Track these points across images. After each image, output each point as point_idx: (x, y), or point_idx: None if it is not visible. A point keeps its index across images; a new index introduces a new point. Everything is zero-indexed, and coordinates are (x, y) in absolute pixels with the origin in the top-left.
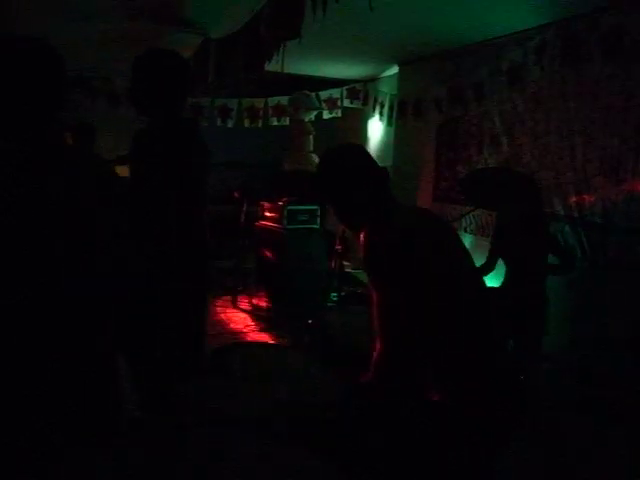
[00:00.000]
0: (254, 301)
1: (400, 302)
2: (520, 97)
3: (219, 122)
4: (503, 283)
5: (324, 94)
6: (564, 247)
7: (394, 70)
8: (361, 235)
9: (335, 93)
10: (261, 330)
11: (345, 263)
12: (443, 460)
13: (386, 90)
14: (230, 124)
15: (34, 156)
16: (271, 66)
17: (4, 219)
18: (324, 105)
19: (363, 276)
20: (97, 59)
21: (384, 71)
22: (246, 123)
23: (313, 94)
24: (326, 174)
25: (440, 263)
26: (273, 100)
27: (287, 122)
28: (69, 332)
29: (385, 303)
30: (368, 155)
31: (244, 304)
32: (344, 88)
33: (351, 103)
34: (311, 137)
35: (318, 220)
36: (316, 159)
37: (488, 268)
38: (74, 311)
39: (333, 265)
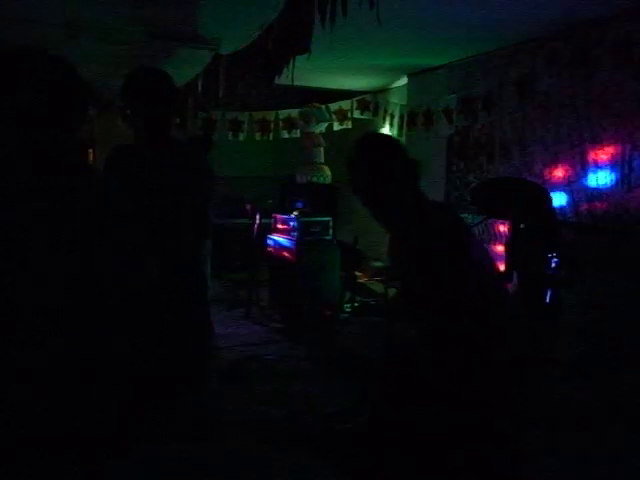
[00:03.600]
0: (267, 313)
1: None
2: (530, 106)
3: (230, 135)
4: (516, 289)
5: (334, 106)
6: (573, 258)
7: (403, 81)
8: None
9: (345, 105)
10: (275, 342)
11: (358, 274)
12: (454, 462)
13: (396, 101)
14: (241, 137)
15: (53, 176)
16: (281, 80)
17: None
18: (334, 117)
19: (376, 287)
20: (107, 75)
21: (393, 82)
22: (257, 136)
23: (323, 106)
24: (359, 165)
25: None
26: (284, 113)
27: (298, 134)
28: (86, 340)
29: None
30: (399, 145)
31: (257, 316)
32: (354, 99)
33: (361, 114)
34: (322, 149)
35: (331, 231)
36: (328, 171)
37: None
38: (91, 320)
39: (346, 276)
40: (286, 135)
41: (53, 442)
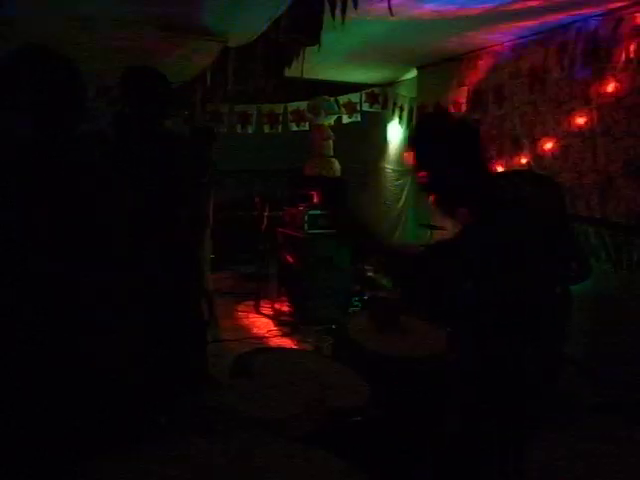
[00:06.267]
0: (276, 306)
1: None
2: (541, 98)
3: (239, 128)
4: None
5: (343, 99)
6: (584, 254)
7: (413, 73)
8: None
9: (354, 97)
10: (284, 335)
11: (367, 267)
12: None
13: (405, 94)
14: (250, 130)
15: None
16: (290, 72)
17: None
18: (343, 110)
19: (385, 280)
20: (116, 68)
21: (403, 75)
22: (266, 129)
23: (332, 99)
24: (438, 142)
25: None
26: (292, 105)
27: (307, 127)
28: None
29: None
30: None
31: (266, 309)
32: (363, 92)
33: (370, 107)
34: (331, 142)
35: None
36: (337, 164)
37: None
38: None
39: (354, 269)
40: (295, 128)
41: (53, 442)
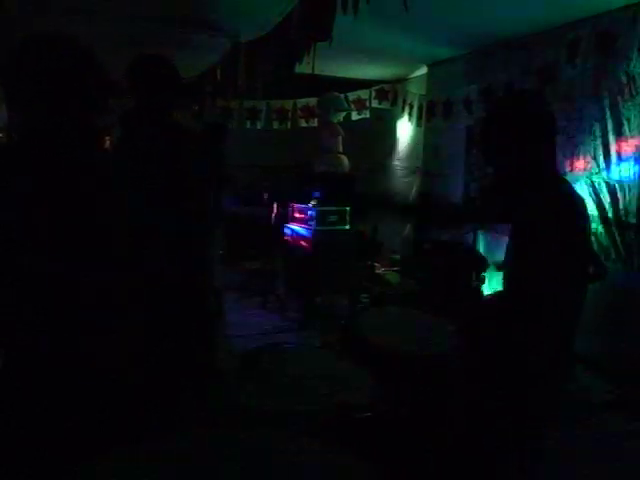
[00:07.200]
0: (284, 302)
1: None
2: (552, 95)
3: (248, 124)
4: None
5: (352, 95)
6: (595, 253)
7: (423, 71)
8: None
9: (363, 94)
10: (291, 331)
11: (375, 264)
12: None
13: (415, 91)
14: (259, 126)
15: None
16: (301, 68)
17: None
18: (353, 106)
19: (393, 277)
20: (122, 61)
21: (413, 72)
22: (275, 125)
23: (342, 95)
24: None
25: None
26: (302, 102)
27: (315, 123)
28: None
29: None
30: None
31: (274, 305)
32: (372, 89)
33: (380, 104)
34: (340, 138)
35: (348, 221)
36: (346, 160)
37: None
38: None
39: (363, 266)
40: (304, 124)
41: (53, 442)
